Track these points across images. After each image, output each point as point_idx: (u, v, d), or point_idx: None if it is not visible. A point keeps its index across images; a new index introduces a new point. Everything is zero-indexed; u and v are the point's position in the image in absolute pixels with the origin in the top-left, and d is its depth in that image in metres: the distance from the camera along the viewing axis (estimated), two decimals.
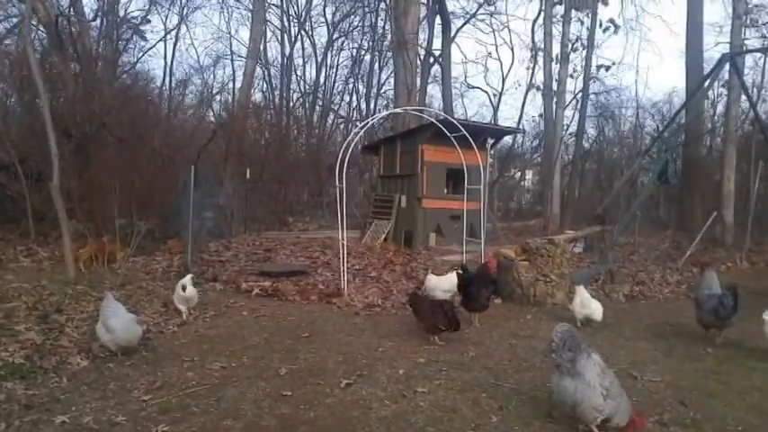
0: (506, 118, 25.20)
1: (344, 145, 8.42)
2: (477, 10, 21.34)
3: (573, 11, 17.44)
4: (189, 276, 6.35)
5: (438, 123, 9.77)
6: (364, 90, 28.60)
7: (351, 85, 28.75)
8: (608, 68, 19.22)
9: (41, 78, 8.49)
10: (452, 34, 18.68)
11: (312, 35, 28.08)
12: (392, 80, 27.07)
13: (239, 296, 7.56)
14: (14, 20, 19.21)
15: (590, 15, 17.93)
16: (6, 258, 9.75)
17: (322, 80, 27.43)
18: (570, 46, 17.57)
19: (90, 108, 13.74)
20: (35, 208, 11.83)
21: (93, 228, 10.17)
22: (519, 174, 31.55)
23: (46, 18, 13.28)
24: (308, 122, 24.69)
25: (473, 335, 5.94)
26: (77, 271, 8.23)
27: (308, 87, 27.47)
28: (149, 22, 24.11)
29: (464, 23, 21.72)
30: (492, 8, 21.07)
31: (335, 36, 27.86)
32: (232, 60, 28.27)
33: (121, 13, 23.20)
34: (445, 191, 13.49)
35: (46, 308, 6.27)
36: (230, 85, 28.17)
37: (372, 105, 27.91)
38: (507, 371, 4.68)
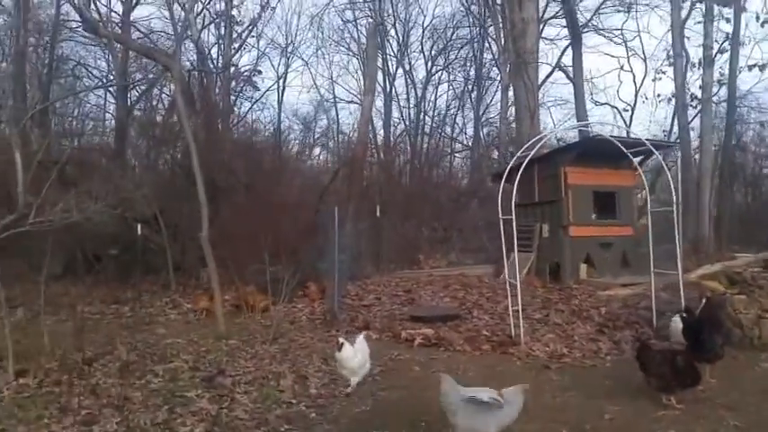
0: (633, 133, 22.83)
1: (506, 171, 7.51)
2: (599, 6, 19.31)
3: (716, 7, 15.50)
4: (362, 336, 5.36)
5: (614, 140, 8.49)
6: (470, 118, 27.77)
7: (454, 116, 28.06)
8: (763, 68, 16.64)
9: (191, 131, 8.51)
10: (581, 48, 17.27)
11: (411, 70, 27.94)
12: (494, 106, 26.30)
13: (400, 346, 6.77)
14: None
15: (735, 10, 15.87)
16: (155, 311, 9.82)
17: (423, 113, 26.99)
18: (717, 47, 15.55)
19: (218, 157, 14.08)
20: (173, 258, 12.06)
21: (235, 276, 10.01)
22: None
23: (179, 74, 13.88)
24: (416, 155, 24.14)
25: (713, 394, 4.67)
26: (226, 324, 7.90)
27: (411, 122, 27.13)
28: (260, 72, 25.16)
29: (585, 27, 20.00)
30: (627, 14, 19.23)
31: (435, 70, 27.54)
32: (335, 104, 28.74)
33: (233, 67, 24.41)
34: (593, 216, 12.08)
35: (207, 368, 5.86)
36: (334, 128, 28.56)
37: (480, 133, 26.95)
38: None
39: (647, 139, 11.55)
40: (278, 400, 4.81)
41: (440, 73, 27.70)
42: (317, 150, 27.92)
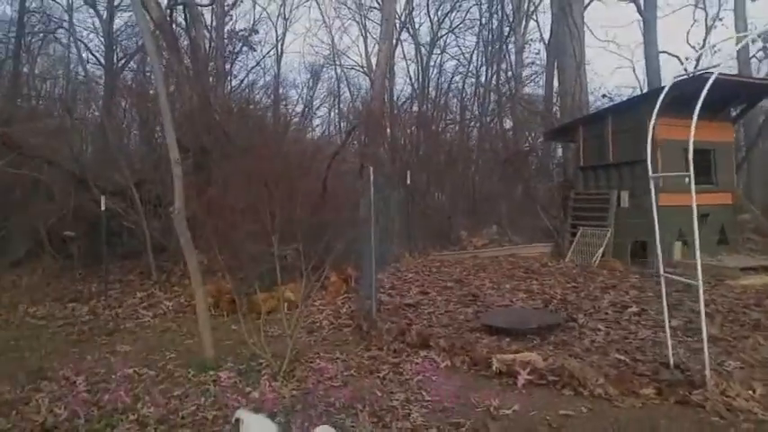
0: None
1: (654, 115, 4.84)
2: None
3: None
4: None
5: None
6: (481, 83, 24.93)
7: (464, 78, 25.26)
8: None
9: (159, 64, 5.90)
10: None
11: (417, 35, 25.05)
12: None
13: (492, 384, 4.20)
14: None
15: None
16: (123, 312, 7.30)
17: (427, 79, 24.16)
18: None
19: (209, 116, 11.40)
20: (154, 239, 9.55)
21: (230, 264, 7.45)
22: None
23: (158, 12, 11.03)
24: (428, 116, 21.31)
25: None
26: (218, 334, 5.35)
27: (418, 86, 24.30)
28: (257, 32, 22.59)
29: None
30: None
31: (441, 33, 24.65)
32: (335, 69, 26.07)
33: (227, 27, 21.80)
34: (687, 180, 9.46)
35: None
36: (339, 90, 25.97)
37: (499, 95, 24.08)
38: None
39: None
40: None
41: (446, 36, 24.83)
42: (319, 115, 25.36)
